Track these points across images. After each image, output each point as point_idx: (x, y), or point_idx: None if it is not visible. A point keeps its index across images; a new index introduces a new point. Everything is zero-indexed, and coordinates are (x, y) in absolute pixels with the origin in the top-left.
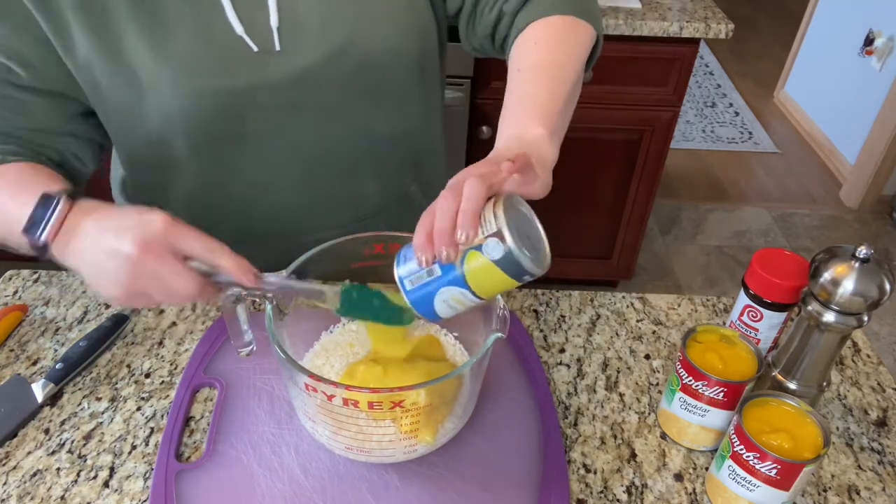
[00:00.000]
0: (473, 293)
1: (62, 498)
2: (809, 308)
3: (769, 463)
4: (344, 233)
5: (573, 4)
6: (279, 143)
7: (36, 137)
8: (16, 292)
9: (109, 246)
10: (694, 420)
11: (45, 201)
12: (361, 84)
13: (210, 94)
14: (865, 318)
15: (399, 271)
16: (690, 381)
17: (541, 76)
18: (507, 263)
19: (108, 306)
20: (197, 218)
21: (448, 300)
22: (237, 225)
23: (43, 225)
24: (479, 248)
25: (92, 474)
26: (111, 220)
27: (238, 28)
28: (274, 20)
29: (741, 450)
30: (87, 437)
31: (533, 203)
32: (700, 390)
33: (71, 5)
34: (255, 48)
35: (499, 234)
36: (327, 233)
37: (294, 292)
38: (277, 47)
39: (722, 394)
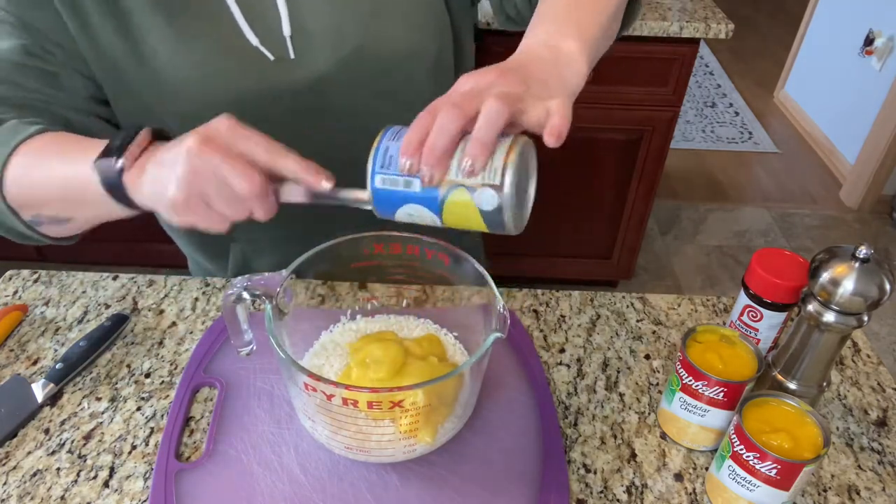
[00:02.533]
0: (442, 220)
1: (62, 498)
2: (809, 308)
3: (769, 463)
4: (361, 232)
5: None
6: (294, 146)
7: (69, 114)
8: (16, 292)
9: (173, 150)
10: (694, 420)
11: (128, 131)
12: (376, 86)
13: (229, 101)
14: (865, 318)
15: (375, 164)
16: (690, 381)
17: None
18: (493, 216)
19: (108, 306)
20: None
21: (412, 213)
22: (251, 227)
23: (123, 150)
24: (470, 189)
25: (92, 474)
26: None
27: (253, 40)
28: (287, 29)
29: (741, 450)
30: (87, 437)
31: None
32: (700, 390)
33: (97, 9)
34: (272, 57)
35: (499, 188)
36: (345, 233)
37: (353, 203)
38: (292, 55)
39: (722, 394)
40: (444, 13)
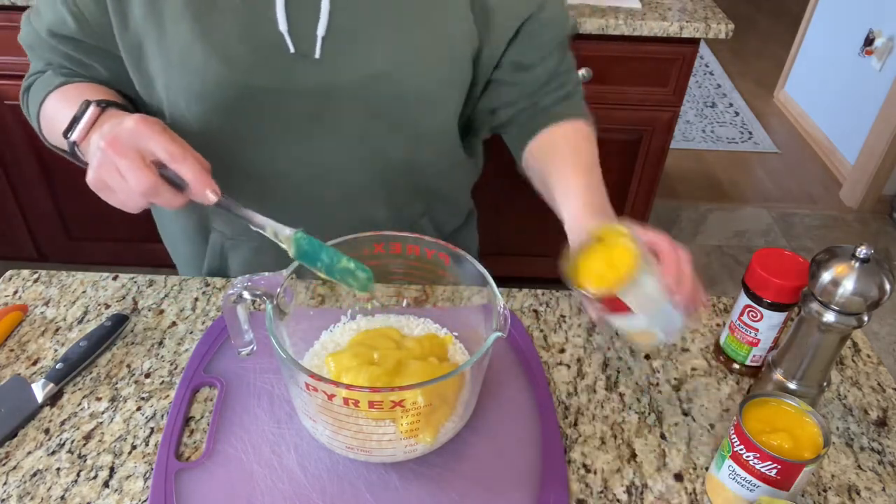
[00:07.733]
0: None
1: (62, 498)
2: (809, 308)
3: (769, 463)
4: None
5: (583, 109)
6: (290, 150)
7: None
8: (16, 292)
9: (93, 140)
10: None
11: (82, 107)
12: (387, 113)
13: (234, 85)
14: (865, 318)
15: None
16: (742, 450)
17: (598, 173)
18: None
19: (108, 306)
20: (197, 206)
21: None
22: (231, 222)
23: (75, 127)
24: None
25: (92, 474)
26: (112, 121)
27: (282, 25)
28: (322, 29)
29: (741, 450)
30: (87, 437)
31: (532, 202)
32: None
33: None
34: (292, 49)
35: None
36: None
37: (249, 223)
38: (317, 55)
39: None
40: (468, 76)
